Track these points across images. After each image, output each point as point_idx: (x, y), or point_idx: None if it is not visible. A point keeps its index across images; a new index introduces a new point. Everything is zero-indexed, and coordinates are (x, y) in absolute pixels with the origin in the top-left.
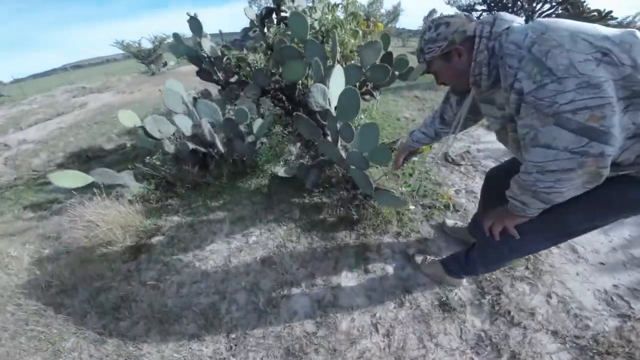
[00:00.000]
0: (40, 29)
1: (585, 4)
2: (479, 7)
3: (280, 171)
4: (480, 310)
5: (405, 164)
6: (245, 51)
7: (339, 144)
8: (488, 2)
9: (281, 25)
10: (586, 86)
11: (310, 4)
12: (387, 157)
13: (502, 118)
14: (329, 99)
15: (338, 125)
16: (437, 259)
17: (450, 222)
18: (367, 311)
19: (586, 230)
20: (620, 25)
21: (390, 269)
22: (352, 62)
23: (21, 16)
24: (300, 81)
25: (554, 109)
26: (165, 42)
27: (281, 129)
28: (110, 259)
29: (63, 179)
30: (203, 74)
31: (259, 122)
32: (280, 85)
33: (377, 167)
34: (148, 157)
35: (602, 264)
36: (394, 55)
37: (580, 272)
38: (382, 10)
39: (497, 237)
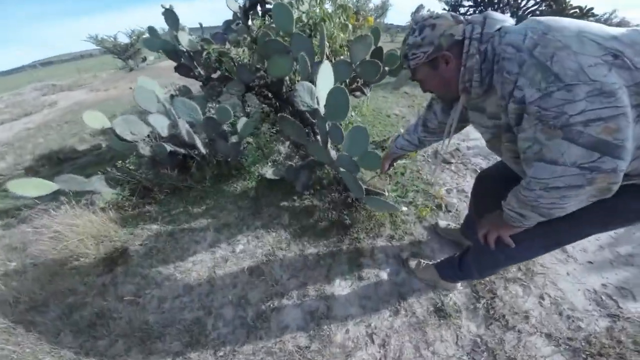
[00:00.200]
0: (8, 25)
1: (567, 0)
2: (465, 3)
3: (268, 172)
4: (475, 314)
5: (391, 169)
6: (227, 45)
7: (329, 144)
8: None
9: (266, 18)
10: (598, 94)
11: None
12: (377, 163)
13: (494, 127)
14: (316, 98)
15: (327, 125)
16: (431, 263)
17: (442, 223)
18: (362, 321)
19: (584, 238)
20: (598, 21)
21: (384, 275)
22: (342, 57)
23: None
24: (287, 77)
25: (562, 120)
26: (143, 36)
27: (268, 127)
28: (83, 272)
29: (23, 188)
30: (182, 70)
31: (243, 120)
32: (266, 81)
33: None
34: (120, 161)
35: (590, 262)
36: (384, 51)
37: (570, 271)
38: (371, 5)
39: (492, 245)
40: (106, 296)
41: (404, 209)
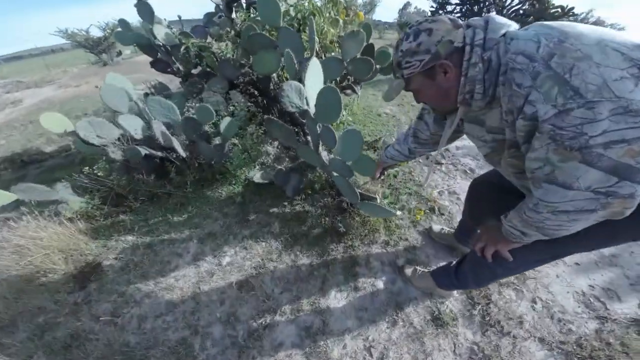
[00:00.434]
0: None
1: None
2: (452, 1)
3: (256, 176)
4: (471, 321)
5: (382, 177)
6: (209, 39)
7: (321, 146)
8: None
9: (251, 11)
10: (623, 113)
11: None
12: (371, 168)
13: (494, 142)
14: (306, 98)
15: (318, 128)
16: (427, 270)
17: (436, 227)
18: (360, 334)
19: (586, 252)
20: (576, 21)
21: (380, 284)
22: (333, 54)
23: None
24: (275, 74)
25: (581, 142)
26: (117, 29)
27: (255, 127)
28: (52, 289)
29: None
30: (159, 65)
31: (227, 120)
32: (252, 77)
33: None
34: (88, 167)
35: (577, 264)
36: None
37: (559, 274)
38: (360, 1)
39: (490, 259)
40: (80, 316)
41: (399, 213)
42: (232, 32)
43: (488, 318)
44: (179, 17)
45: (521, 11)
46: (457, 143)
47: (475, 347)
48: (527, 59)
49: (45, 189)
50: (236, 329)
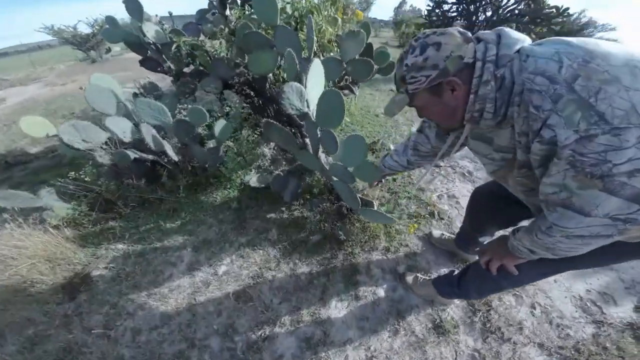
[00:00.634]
0: None
1: (545, 0)
2: (449, 0)
3: (253, 180)
4: (472, 328)
5: (380, 184)
6: (202, 37)
7: (320, 150)
8: None
9: (246, 8)
10: None
11: None
12: (373, 175)
13: (501, 161)
14: (306, 101)
15: (318, 132)
16: (428, 278)
17: (436, 232)
18: (361, 344)
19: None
20: (569, 22)
21: (381, 292)
22: (331, 53)
23: None
24: (271, 73)
25: (603, 169)
26: (105, 26)
27: (251, 129)
28: (41, 301)
29: None
30: (149, 64)
31: (221, 123)
32: (247, 77)
33: None
34: (74, 172)
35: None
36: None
37: (557, 278)
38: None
39: (494, 272)
40: (71, 328)
41: (398, 216)
42: (227, 30)
43: (489, 325)
44: (170, 13)
45: (516, 11)
46: None
47: (477, 354)
48: (547, 80)
49: (28, 195)
50: (234, 341)
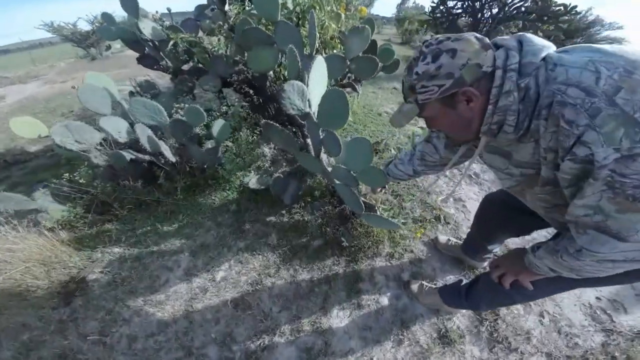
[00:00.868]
0: None
1: None
2: None
3: (252, 181)
4: (479, 338)
5: (383, 189)
6: (201, 33)
7: (322, 151)
8: None
9: (245, 3)
10: None
11: None
12: (380, 181)
13: (521, 176)
14: (308, 100)
15: (321, 133)
16: (434, 286)
17: (443, 238)
18: (364, 355)
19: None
20: (576, 20)
21: (385, 300)
22: (334, 50)
23: None
24: (271, 71)
25: None
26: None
27: (250, 130)
28: (36, 305)
29: None
30: (146, 61)
31: (220, 122)
32: (246, 75)
33: None
34: (68, 174)
35: None
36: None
37: None
38: None
39: (507, 287)
40: (66, 334)
41: (403, 222)
42: (226, 26)
43: (496, 334)
44: (169, 9)
45: (523, 8)
46: None
47: None
48: (582, 92)
49: (22, 198)
50: (232, 351)
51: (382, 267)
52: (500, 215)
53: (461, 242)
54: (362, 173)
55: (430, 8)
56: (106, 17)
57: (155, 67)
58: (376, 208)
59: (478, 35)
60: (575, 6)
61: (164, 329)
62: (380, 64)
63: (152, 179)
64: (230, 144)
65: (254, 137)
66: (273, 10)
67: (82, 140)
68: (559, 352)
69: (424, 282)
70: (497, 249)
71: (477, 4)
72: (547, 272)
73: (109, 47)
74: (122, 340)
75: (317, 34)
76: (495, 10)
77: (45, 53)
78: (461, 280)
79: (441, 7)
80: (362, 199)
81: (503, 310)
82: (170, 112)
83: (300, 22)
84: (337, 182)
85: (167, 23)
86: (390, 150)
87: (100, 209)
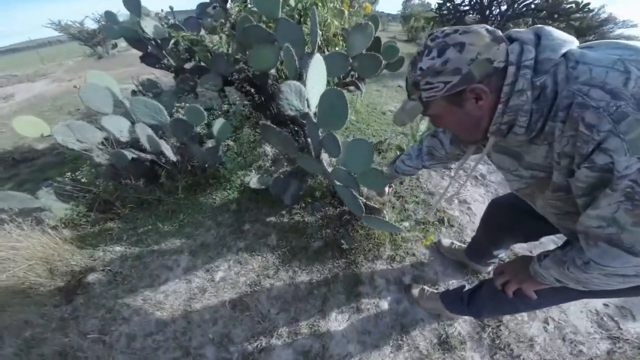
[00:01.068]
0: None
1: None
2: None
3: (253, 181)
4: (480, 345)
5: (390, 190)
6: (202, 31)
7: (323, 151)
8: None
9: (247, 0)
10: None
11: None
12: (379, 182)
13: (531, 179)
14: (307, 100)
15: (320, 133)
16: (435, 291)
17: (446, 241)
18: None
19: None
20: (588, 17)
21: (385, 304)
22: (337, 48)
23: None
24: (273, 69)
25: None
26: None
27: (251, 129)
28: (38, 303)
29: None
30: (149, 60)
31: (220, 122)
32: (247, 74)
33: None
34: (70, 173)
35: None
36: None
37: None
38: None
39: (510, 295)
40: (67, 332)
41: (405, 224)
42: (227, 24)
43: (498, 341)
44: (171, 7)
45: (533, 5)
46: None
47: None
48: (607, 94)
49: (25, 196)
50: (230, 352)
51: (383, 270)
52: (508, 218)
53: (465, 246)
54: (362, 175)
55: (437, 5)
56: (109, 15)
57: (157, 65)
58: (384, 212)
59: (489, 27)
60: (588, 3)
61: (163, 329)
62: (384, 62)
63: (153, 178)
64: (231, 143)
65: (256, 136)
66: (273, 8)
67: (83, 139)
68: None
69: (425, 287)
70: (503, 254)
71: (485, 1)
72: (552, 282)
73: (115, 46)
74: (121, 339)
75: (319, 32)
76: (504, 7)
77: (54, 51)
78: (464, 286)
79: (448, 4)
80: (367, 201)
81: (506, 317)
82: (172, 111)
83: (302, 19)
84: (338, 183)
85: (171, 21)
86: (395, 149)
87: (103, 208)
